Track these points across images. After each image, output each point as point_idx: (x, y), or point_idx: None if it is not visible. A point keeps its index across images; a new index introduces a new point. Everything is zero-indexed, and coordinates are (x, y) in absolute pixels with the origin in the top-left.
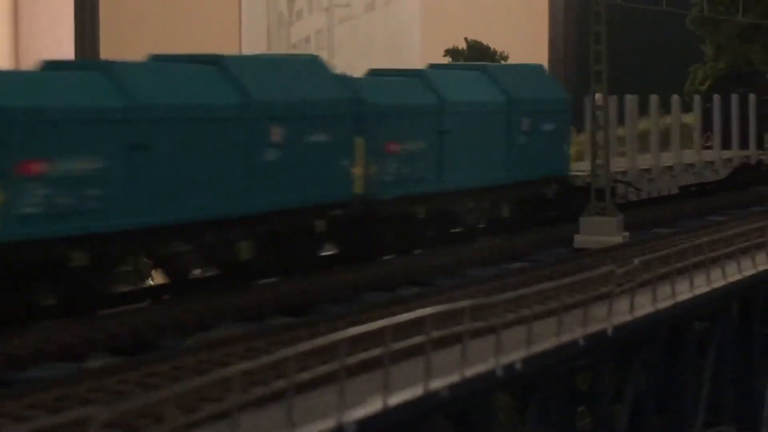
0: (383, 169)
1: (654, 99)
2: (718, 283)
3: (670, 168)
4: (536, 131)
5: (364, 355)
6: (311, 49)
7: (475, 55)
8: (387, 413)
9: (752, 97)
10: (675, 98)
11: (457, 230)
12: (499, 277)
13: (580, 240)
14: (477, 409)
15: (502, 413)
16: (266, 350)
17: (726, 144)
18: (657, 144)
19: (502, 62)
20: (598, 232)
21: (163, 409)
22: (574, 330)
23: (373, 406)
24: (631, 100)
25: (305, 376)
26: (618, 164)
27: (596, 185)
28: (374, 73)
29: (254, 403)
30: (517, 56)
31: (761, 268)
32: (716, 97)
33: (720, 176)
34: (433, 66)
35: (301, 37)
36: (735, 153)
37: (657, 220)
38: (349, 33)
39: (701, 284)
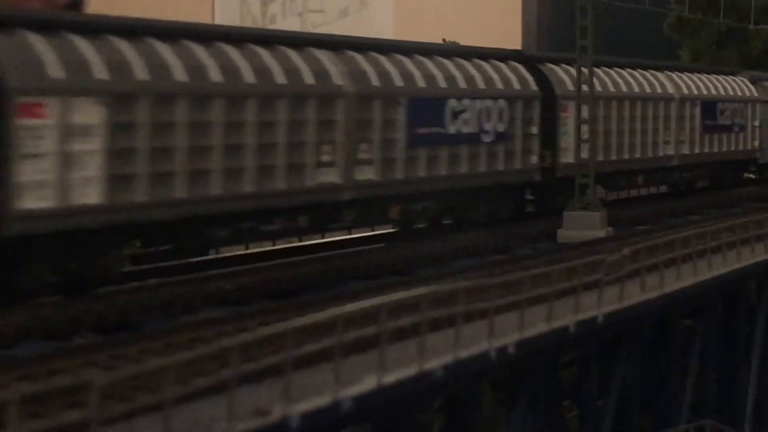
0: None
1: None
2: (705, 275)
3: None
4: None
5: (359, 333)
6: None
7: None
8: (382, 391)
9: None
10: None
11: None
12: (486, 267)
13: (564, 235)
14: (469, 396)
15: (487, 409)
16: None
17: None
18: None
19: None
20: (581, 226)
21: (160, 380)
22: (565, 317)
23: (368, 384)
24: None
25: (303, 350)
26: None
27: (580, 179)
28: None
29: (251, 378)
30: None
31: (746, 262)
32: None
33: None
34: None
35: None
36: None
37: (639, 218)
38: None
39: (688, 276)
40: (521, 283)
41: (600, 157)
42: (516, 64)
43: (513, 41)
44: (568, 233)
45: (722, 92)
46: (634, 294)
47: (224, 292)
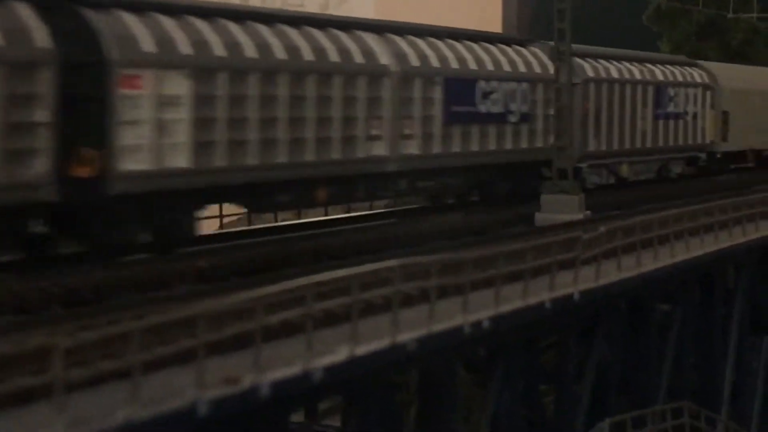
0: None
1: None
2: (682, 256)
3: None
4: None
5: (331, 304)
6: None
7: None
8: (353, 362)
9: None
10: None
11: None
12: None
13: (541, 218)
14: (443, 374)
15: (463, 390)
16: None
17: None
18: None
19: None
20: (559, 210)
21: (127, 346)
22: (540, 294)
23: (339, 355)
24: None
25: (273, 319)
26: None
27: (558, 163)
28: None
29: (222, 349)
30: None
31: (724, 244)
32: None
33: None
34: None
35: None
36: None
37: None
38: None
39: (665, 257)
40: (496, 259)
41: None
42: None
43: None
44: (545, 216)
45: (490, 67)
46: (611, 273)
47: (199, 270)
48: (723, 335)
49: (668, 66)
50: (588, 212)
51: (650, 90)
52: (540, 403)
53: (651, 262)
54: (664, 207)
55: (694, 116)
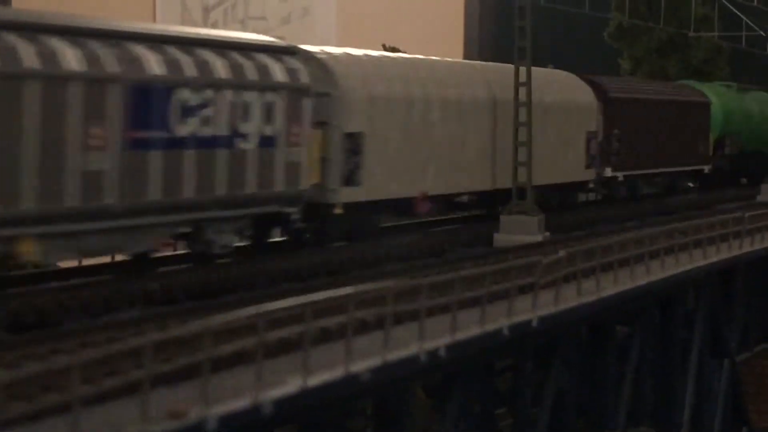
0: None
1: None
2: (642, 279)
3: None
4: None
5: (283, 333)
6: None
7: None
8: (305, 394)
9: None
10: None
11: None
12: (417, 269)
13: (501, 239)
14: (398, 400)
15: (420, 415)
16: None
17: None
18: None
19: None
20: (518, 230)
21: (69, 378)
22: (498, 320)
23: (291, 386)
24: None
25: (222, 350)
26: None
27: (517, 184)
28: None
29: (166, 379)
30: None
31: (684, 267)
32: None
33: None
34: None
35: None
36: None
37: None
38: None
39: (625, 281)
40: (452, 285)
41: None
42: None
43: (455, 46)
44: (504, 237)
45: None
46: (570, 298)
47: (149, 293)
48: (683, 359)
49: None
50: (548, 233)
51: None
52: (497, 428)
53: (611, 285)
54: (625, 229)
55: None
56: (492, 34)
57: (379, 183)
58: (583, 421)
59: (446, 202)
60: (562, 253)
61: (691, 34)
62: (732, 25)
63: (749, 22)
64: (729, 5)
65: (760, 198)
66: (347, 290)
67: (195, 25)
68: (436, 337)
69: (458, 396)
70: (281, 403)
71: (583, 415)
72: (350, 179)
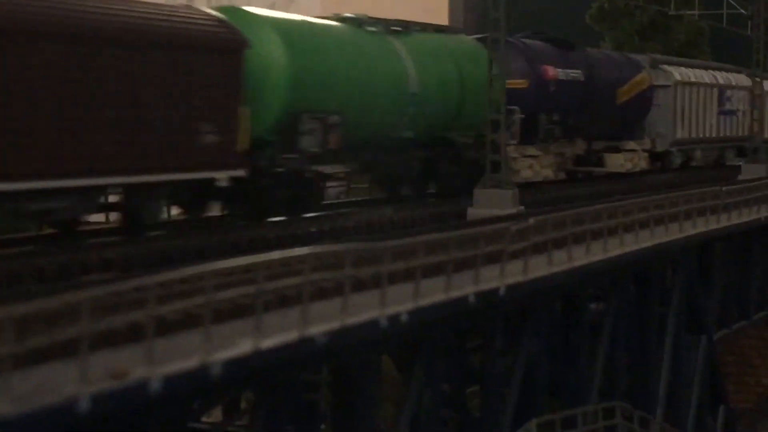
0: None
1: None
2: (616, 251)
3: None
4: None
5: (235, 293)
6: None
7: None
8: (257, 356)
9: None
10: None
11: None
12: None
13: (475, 213)
14: (359, 370)
15: (387, 385)
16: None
17: None
18: None
19: None
20: (492, 204)
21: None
22: (464, 288)
23: (242, 348)
24: None
25: (167, 308)
26: None
27: (491, 157)
28: None
29: (110, 341)
30: None
31: (659, 240)
32: None
33: None
34: None
35: None
36: None
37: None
38: None
39: (598, 252)
40: (416, 250)
41: None
42: None
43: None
44: (478, 211)
45: None
46: (541, 267)
47: (107, 261)
48: (659, 334)
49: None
50: (522, 207)
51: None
52: (465, 405)
53: (583, 256)
54: (598, 201)
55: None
56: (478, 15)
57: None
58: (555, 397)
59: None
60: (531, 220)
61: (672, 12)
62: (713, 4)
63: (731, 1)
64: None
65: (740, 178)
66: (303, 250)
67: None
68: (398, 303)
69: (423, 371)
70: (231, 365)
71: (555, 391)
72: None
